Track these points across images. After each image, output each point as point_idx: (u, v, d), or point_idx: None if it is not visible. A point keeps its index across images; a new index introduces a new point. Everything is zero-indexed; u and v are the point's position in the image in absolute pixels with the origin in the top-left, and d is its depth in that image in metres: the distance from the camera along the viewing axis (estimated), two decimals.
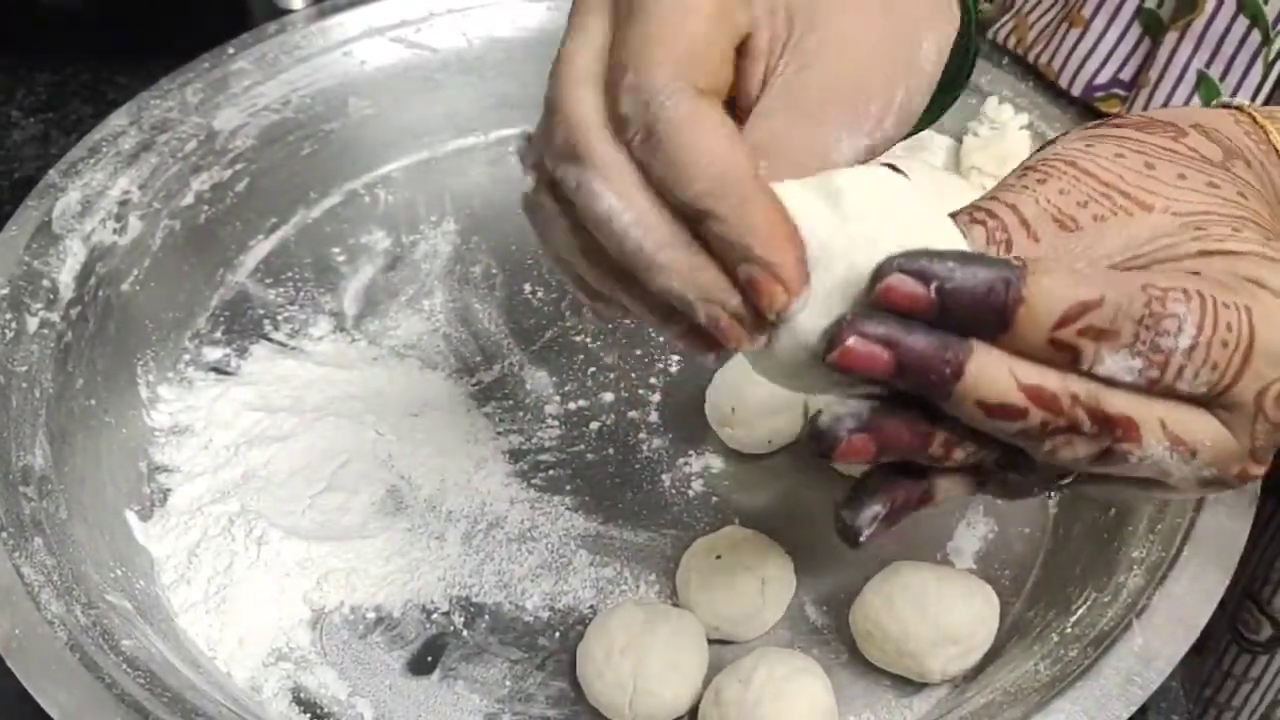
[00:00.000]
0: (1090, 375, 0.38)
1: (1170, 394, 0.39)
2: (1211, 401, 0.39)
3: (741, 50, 0.43)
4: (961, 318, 0.37)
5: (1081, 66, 0.70)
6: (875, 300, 0.38)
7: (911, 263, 0.37)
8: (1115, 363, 0.38)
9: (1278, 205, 0.44)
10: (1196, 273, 0.39)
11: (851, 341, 0.37)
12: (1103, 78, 0.70)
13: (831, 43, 0.44)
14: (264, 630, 0.60)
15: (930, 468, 0.42)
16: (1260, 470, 0.42)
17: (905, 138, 0.47)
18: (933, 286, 0.37)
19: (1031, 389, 0.38)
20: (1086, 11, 0.69)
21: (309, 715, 0.58)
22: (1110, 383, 0.38)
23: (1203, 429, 0.40)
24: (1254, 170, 0.44)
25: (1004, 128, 0.73)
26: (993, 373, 0.38)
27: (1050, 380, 0.38)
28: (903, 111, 0.46)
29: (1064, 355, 0.38)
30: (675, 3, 0.40)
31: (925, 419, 0.39)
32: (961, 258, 0.37)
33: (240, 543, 0.62)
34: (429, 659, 0.59)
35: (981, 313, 0.37)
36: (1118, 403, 0.39)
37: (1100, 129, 0.45)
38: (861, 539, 0.41)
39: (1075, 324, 0.37)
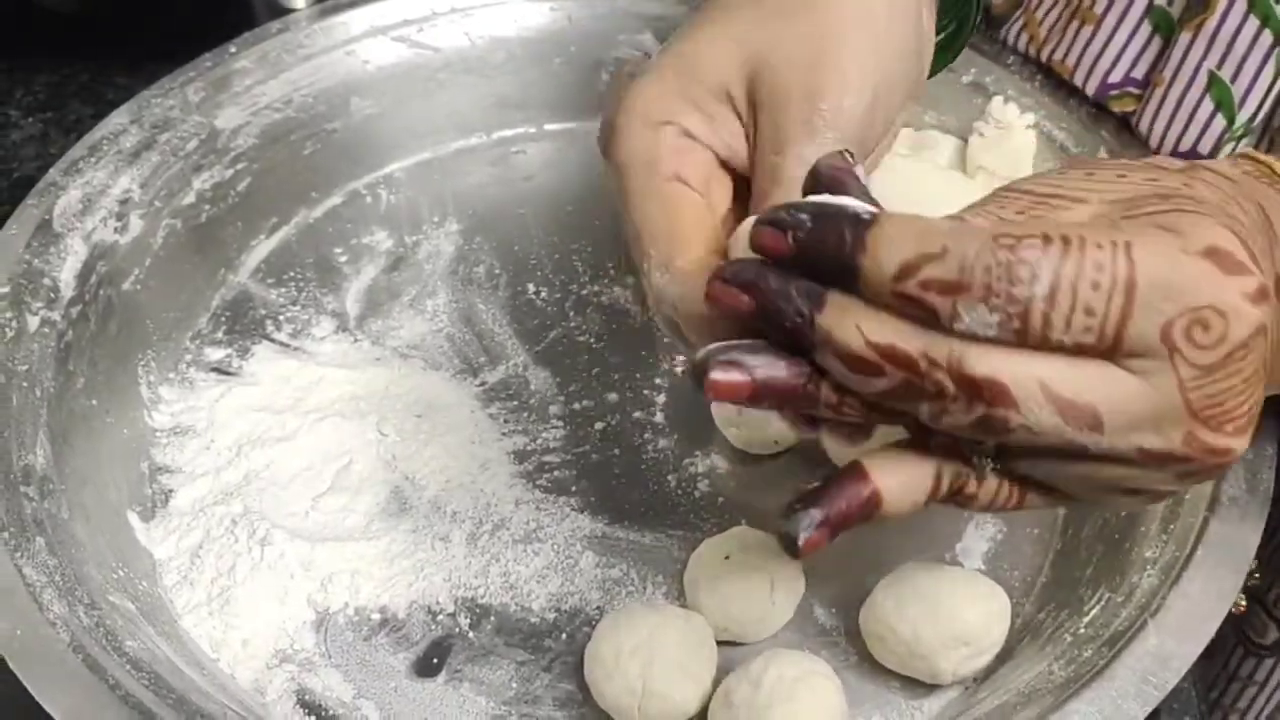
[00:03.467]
0: (954, 334, 0.38)
1: (1051, 347, 0.38)
2: (1112, 352, 0.38)
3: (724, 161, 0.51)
4: (816, 265, 0.39)
5: (1095, 64, 0.70)
6: (752, 246, 0.41)
7: (775, 213, 0.40)
8: (973, 318, 0.38)
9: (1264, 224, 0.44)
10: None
11: (716, 283, 0.41)
12: (1116, 76, 0.69)
13: (766, 79, 0.49)
14: (268, 632, 0.59)
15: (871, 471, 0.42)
16: (1220, 440, 0.40)
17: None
18: (789, 235, 0.40)
19: (882, 347, 0.39)
20: (1098, 9, 0.69)
21: (314, 718, 0.57)
22: (978, 340, 0.38)
23: (1101, 386, 0.38)
24: (1237, 186, 0.44)
25: (1010, 127, 0.73)
26: (841, 329, 0.39)
27: (905, 339, 0.38)
28: (867, 76, 0.49)
29: (916, 310, 0.38)
30: (639, 211, 0.49)
31: (809, 364, 0.41)
32: (821, 208, 0.40)
33: (243, 544, 0.61)
34: (434, 661, 0.59)
35: (831, 260, 0.39)
36: (984, 364, 0.38)
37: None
38: (799, 543, 0.42)
39: (916, 276, 0.38)
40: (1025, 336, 0.38)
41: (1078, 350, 0.38)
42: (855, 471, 0.42)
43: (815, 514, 0.42)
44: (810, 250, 0.39)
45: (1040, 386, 0.38)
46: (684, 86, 0.50)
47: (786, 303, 0.40)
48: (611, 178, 0.51)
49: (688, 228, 0.49)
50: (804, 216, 0.40)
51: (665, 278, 0.48)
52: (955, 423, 0.39)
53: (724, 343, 0.42)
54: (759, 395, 0.41)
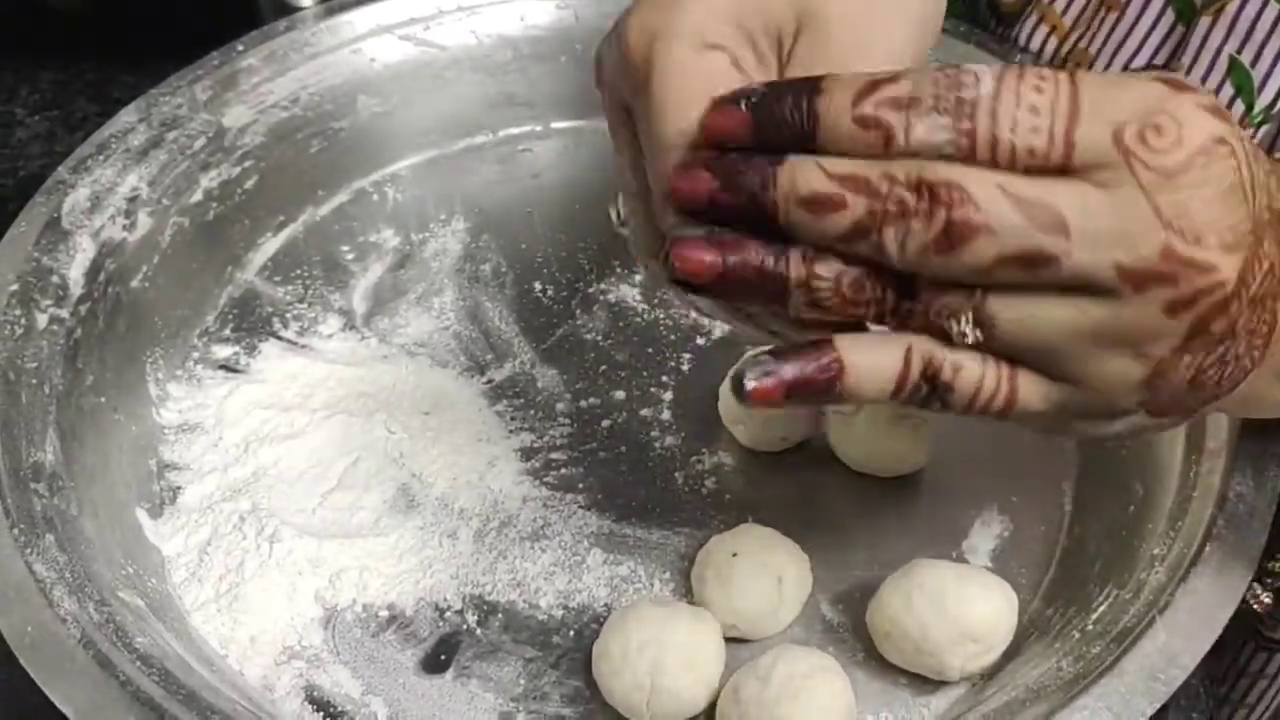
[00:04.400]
0: (909, 155, 0.39)
1: (1002, 158, 0.38)
2: (1065, 167, 0.38)
3: None
4: (774, 128, 0.41)
5: (1118, 51, 0.70)
6: (705, 135, 0.42)
7: (726, 95, 0.42)
8: (926, 126, 0.39)
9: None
10: None
11: (678, 176, 0.42)
12: (1139, 62, 0.69)
13: (817, 26, 0.47)
14: (276, 629, 0.59)
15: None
16: (1199, 252, 0.38)
17: None
18: (743, 104, 0.41)
19: (843, 176, 0.39)
20: None
21: (322, 714, 0.57)
22: (934, 157, 0.39)
23: (1062, 193, 0.38)
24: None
25: None
26: (803, 170, 0.40)
27: (863, 168, 0.39)
28: (909, 44, 0.48)
29: (875, 134, 0.39)
30: (685, 141, 0.45)
31: (777, 240, 0.41)
32: (768, 82, 0.42)
33: (251, 541, 0.61)
34: (442, 657, 0.59)
35: (787, 114, 0.40)
36: (942, 170, 0.39)
37: None
38: (747, 388, 0.41)
39: (873, 96, 0.39)
40: (975, 141, 0.38)
41: (1033, 160, 0.38)
42: (820, 340, 0.42)
43: (769, 363, 0.42)
44: (765, 112, 0.41)
45: (999, 188, 0.38)
46: (746, 14, 0.46)
47: (747, 169, 0.41)
48: (642, 109, 0.46)
49: None
50: (756, 87, 0.41)
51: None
52: (920, 243, 0.39)
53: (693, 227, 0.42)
54: (728, 274, 0.41)
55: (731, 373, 0.42)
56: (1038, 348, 0.41)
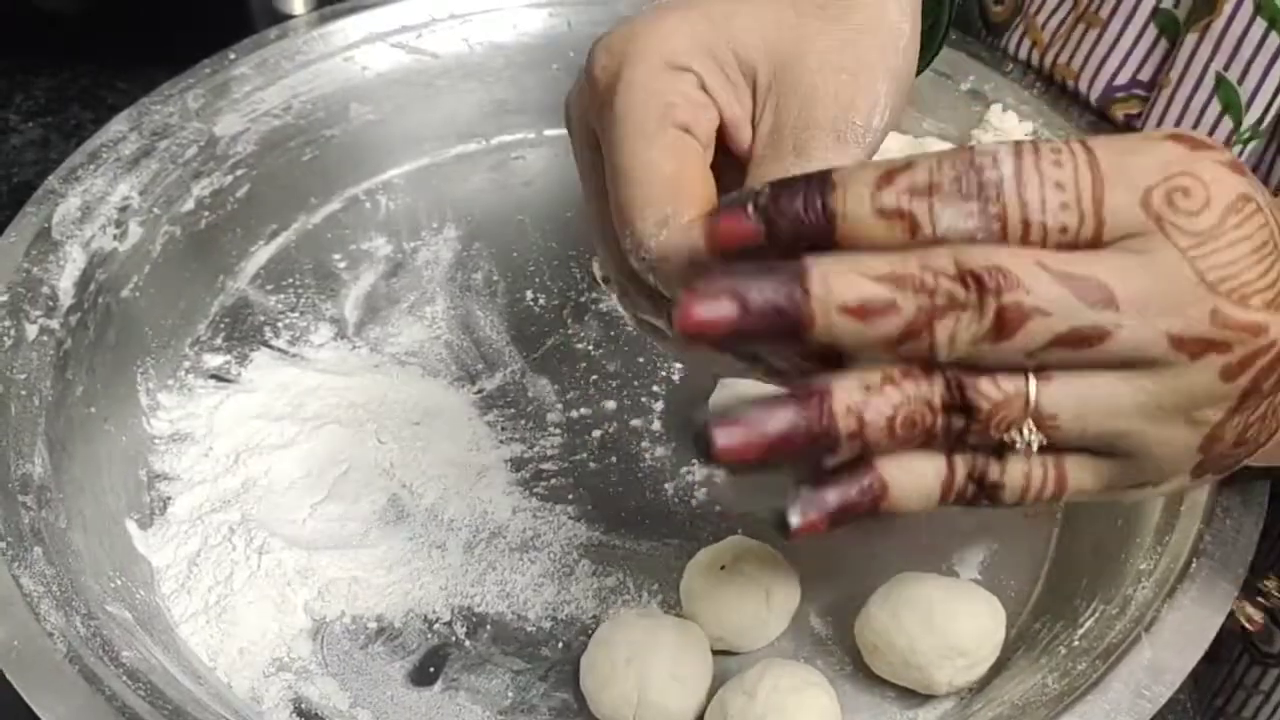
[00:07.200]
0: (939, 242, 0.37)
1: (1034, 238, 0.37)
2: (1099, 238, 0.37)
3: (721, 130, 0.47)
4: (789, 229, 0.38)
5: (1100, 67, 0.70)
6: (711, 248, 0.39)
7: (730, 199, 0.39)
8: (953, 214, 0.37)
9: None
10: None
11: (692, 306, 0.38)
12: (1122, 78, 0.69)
13: (797, 72, 0.46)
14: (265, 640, 0.59)
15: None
16: (1250, 314, 0.38)
17: None
18: (750, 208, 0.38)
19: (885, 275, 0.37)
20: (1104, 12, 0.69)
21: None
22: (963, 243, 0.37)
23: (1101, 262, 0.37)
24: None
25: (1009, 135, 0.73)
26: (839, 276, 0.37)
27: (901, 264, 0.37)
28: (890, 98, 0.47)
29: (900, 225, 0.38)
30: (643, 156, 0.44)
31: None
32: (774, 182, 0.39)
33: (241, 552, 0.61)
34: (431, 669, 0.59)
35: (804, 213, 0.38)
36: (982, 256, 0.37)
37: None
38: (792, 524, 0.40)
39: (891, 186, 0.38)
40: (1006, 224, 0.37)
41: (1065, 238, 0.37)
42: (859, 461, 0.40)
43: (810, 494, 0.40)
44: (782, 211, 0.38)
45: (1039, 265, 0.37)
46: (714, 42, 0.46)
47: (772, 282, 0.38)
48: (605, 127, 0.46)
49: (696, 183, 0.45)
50: (763, 186, 0.39)
51: (664, 236, 0.44)
52: (972, 335, 0.37)
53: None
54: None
55: (775, 514, 0.40)
56: (1098, 434, 0.40)
